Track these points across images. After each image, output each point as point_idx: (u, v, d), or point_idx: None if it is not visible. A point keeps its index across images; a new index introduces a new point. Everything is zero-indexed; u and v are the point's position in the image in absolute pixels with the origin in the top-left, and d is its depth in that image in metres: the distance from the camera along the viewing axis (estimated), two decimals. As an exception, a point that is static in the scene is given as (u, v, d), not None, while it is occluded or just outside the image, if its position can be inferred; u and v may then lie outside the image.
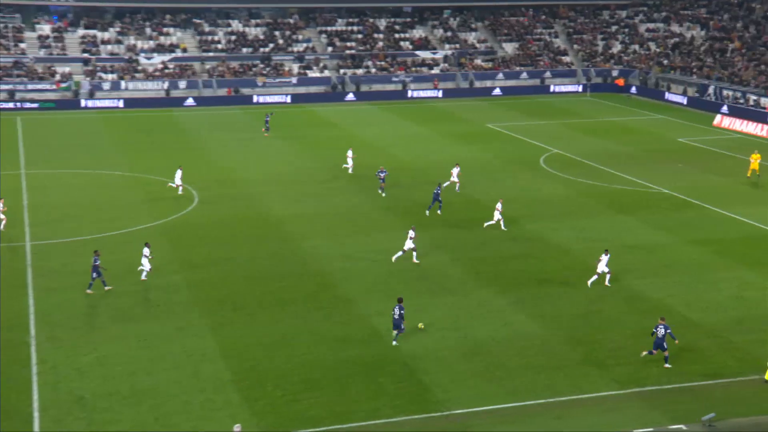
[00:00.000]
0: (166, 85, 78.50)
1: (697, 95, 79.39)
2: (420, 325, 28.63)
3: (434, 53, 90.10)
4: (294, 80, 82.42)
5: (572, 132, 65.59)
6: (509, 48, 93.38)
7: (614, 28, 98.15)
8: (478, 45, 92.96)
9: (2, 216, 38.43)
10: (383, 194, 44.01)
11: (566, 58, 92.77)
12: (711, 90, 77.91)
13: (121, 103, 75.51)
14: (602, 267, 32.31)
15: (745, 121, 66.22)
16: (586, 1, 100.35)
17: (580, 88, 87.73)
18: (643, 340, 27.49)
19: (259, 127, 64.40)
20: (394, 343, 27.43)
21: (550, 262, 34.95)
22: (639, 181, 48.58)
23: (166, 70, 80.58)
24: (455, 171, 46.44)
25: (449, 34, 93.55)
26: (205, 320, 29.22)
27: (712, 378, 25.22)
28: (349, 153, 51.10)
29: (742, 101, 73.68)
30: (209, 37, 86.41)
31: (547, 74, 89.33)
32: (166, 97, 77.60)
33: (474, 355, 26.77)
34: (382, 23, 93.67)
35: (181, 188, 44.64)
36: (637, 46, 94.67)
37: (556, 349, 27.04)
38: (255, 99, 79.13)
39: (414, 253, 34.67)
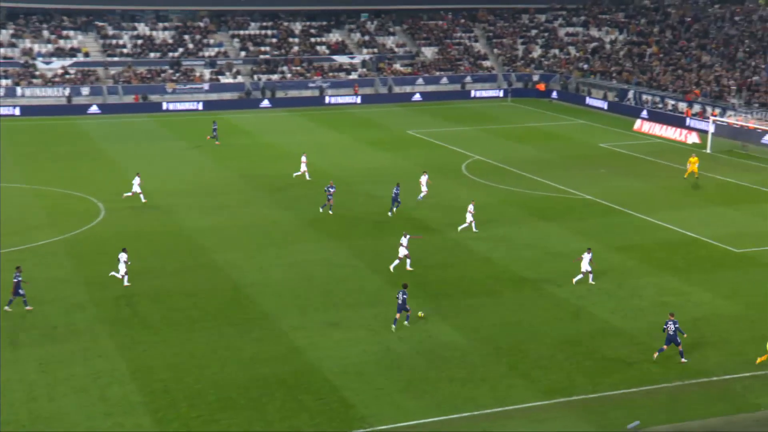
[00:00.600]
0: (67, 91, 76.44)
1: (617, 100, 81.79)
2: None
3: (352, 58, 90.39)
4: (206, 86, 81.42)
5: (494, 138, 66.66)
6: (429, 52, 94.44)
7: (534, 32, 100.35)
8: (396, 49, 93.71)
9: None
10: (330, 212, 43.07)
11: (487, 63, 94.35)
12: (631, 95, 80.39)
13: (17, 111, 73.15)
14: (585, 266, 33.68)
15: (665, 126, 68.52)
16: (505, 4, 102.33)
17: (501, 93, 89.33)
18: (568, 348, 28.04)
19: (169, 135, 63.23)
20: (393, 327, 29.22)
21: (472, 271, 35.36)
22: (561, 187, 49.67)
23: (67, 76, 78.49)
24: (424, 179, 46.42)
25: (367, 38, 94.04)
26: (112, 340, 28.48)
27: (636, 385, 25.88)
28: (303, 158, 51.11)
29: (661, 106, 76.25)
30: (113, 41, 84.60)
31: (468, 79, 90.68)
32: (67, 105, 75.56)
33: (396, 368, 26.83)
34: (297, 27, 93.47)
35: (142, 196, 44.47)
36: (557, 51, 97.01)
37: (480, 361, 27.32)
38: (165, 106, 77.82)
39: (408, 261, 34.84)
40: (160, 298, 32.24)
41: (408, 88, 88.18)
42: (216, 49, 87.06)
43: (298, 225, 41.93)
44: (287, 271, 35.48)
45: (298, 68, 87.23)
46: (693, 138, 64.84)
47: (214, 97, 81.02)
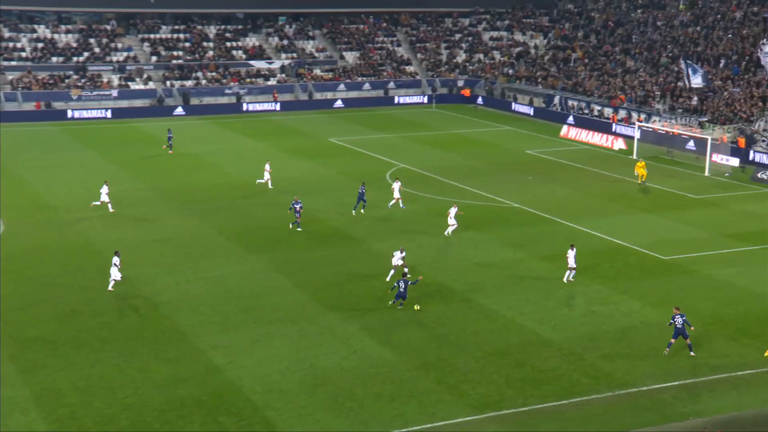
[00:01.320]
0: (-41, 98, 74.13)
1: (543, 106, 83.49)
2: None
3: (270, 63, 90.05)
4: (114, 93, 79.95)
5: (418, 145, 67.23)
6: (350, 57, 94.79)
7: (458, 36, 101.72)
8: (317, 54, 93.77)
9: None
10: (298, 229, 42.53)
11: (410, 68, 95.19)
12: (557, 100, 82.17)
13: None
14: (572, 262, 35.45)
15: (591, 132, 70.24)
16: (428, 8, 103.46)
17: (426, 99, 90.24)
18: (497, 360, 28.42)
19: (76, 145, 61.82)
20: (391, 302, 32.24)
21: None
22: (488, 195, 50.39)
23: (-41, 81, 76.11)
24: (396, 186, 46.88)
25: (285, 42, 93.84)
26: (14, 364, 27.63)
27: (567, 397, 26.38)
28: (267, 167, 51.18)
29: (587, 112, 78.16)
30: (10, 44, 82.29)
31: (391, 85, 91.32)
32: (-40, 112, 73.23)
33: (321, 386, 26.76)
34: (211, 31, 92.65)
35: (110, 205, 44.66)
36: (481, 55, 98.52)
37: (407, 376, 27.46)
38: (70, 114, 76.11)
39: (405, 269, 34.75)
40: (67, 317, 31.46)
41: (329, 95, 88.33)
42: (125, 54, 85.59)
43: (216, 238, 41.48)
44: (205, 286, 35.06)
45: (214, 74, 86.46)
46: (619, 144, 66.65)
47: (124, 104, 79.64)
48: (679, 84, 72.98)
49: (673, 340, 28.94)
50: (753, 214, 47.32)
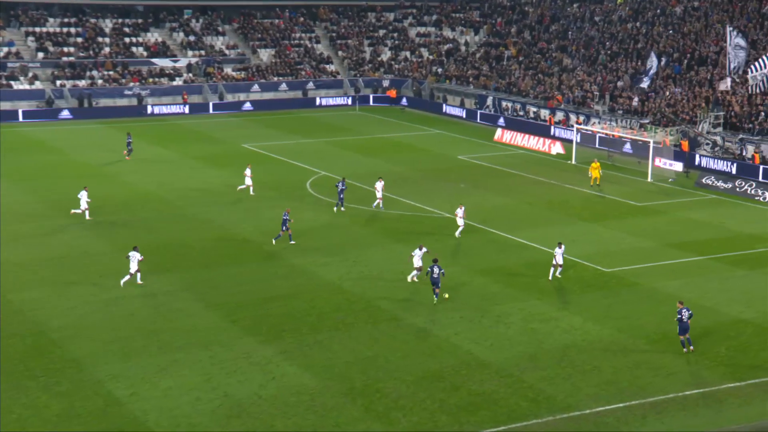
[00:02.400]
0: None
1: (475, 107, 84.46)
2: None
3: (175, 61, 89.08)
4: (-5, 93, 77.99)
5: (341, 151, 67.24)
6: (264, 55, 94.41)
7: (382, 32, 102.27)
8: (227, 51, 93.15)
9: None
10: (292, 241, 42.59)
11: (331, 67, 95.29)
12: (489, 101, 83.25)
13: None
14: (559, 260, 37.99)
15: (527, 135, 71.31)
16: (349, 1, 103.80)
17: (349, 101, 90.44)
18: (430, 384, 28.48)
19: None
20: (436, 298, 35.04)
21: (320, 302, 35.42)
22: (417, 204, 50.65)
23: None
24: (379, 186, 48.56)
25: (192, 38, 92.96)
26: None
27: (505, 423, 26.56)
28: (247, 171, 51.90)
29: (522, 113, 79.34)
30: None
31: (310, 85, 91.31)
32: None
33: (235, 417, 26.42)
34: (107, 24, 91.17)
35: (87, 213, 45.76)
36: (408, 53, 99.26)
37: (332, 404, 27.31)
38: (-60, 117, 73.94)
39: (416, 272, 37.19)
40: (-54, 348, 30.41)
41: (242, 96, 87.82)
42: (5, 49, 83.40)
43: (115, 256, 40.72)
44: (103, 310, 34.34)
45: (111, 73, 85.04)
46: (557, 148, 67.81)
47: (6, 106, 77.74)
48: (618, 83, 74.68)
49: (681, 337, 30.96)
50: (699, 222, 48.61)
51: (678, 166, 59.75)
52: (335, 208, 48.49)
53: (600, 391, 28.40)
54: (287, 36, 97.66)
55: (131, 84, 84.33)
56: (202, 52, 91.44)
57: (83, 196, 46.21)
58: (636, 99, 71.26)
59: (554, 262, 38.42)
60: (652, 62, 68.77)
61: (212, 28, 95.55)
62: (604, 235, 45.55)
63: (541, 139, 69.77)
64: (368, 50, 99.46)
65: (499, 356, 30.80)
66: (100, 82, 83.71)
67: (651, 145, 59.75)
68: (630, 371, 29.67)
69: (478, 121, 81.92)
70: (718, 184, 56.14)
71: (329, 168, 60.25)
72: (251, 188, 51.95)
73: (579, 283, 38.39)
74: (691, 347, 31.15)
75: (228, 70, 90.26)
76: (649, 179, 58.75)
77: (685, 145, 62.35)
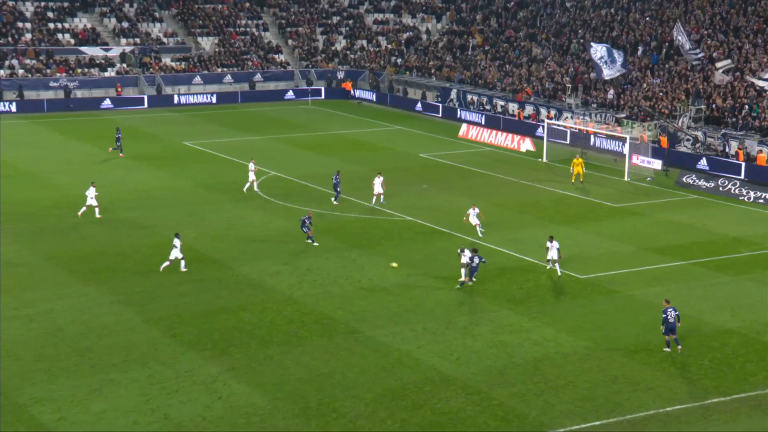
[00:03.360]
0: None
1: (438, 101, 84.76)
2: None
3: (107, 50, 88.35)
4: None
5: (293, 149, 67.10)
6: (206, 44, 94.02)
7: (336, 19, 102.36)
8: (165, 40, 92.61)
9: None
10: (315, 243, 43.75)
11: (280, 57, 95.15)
12: (453, 94, 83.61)
13: None
14: (553, 254, 39.87)
15: (494, 131, 71.70)
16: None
17: (298, 95, 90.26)
18: (391, 402, 28.50)
19: None
20: (469, 281, 38.24)
21: (270, 314, 35.32)
22: (376, 207, 50.69)
23: None
24: (378, 181, 50.14)
25: (126, 24, 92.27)
26: None
27: (473, 442, 26.70)
28: (251, 166, 52.94)
29: (489, 107, 79.79)
30: None
31: (258, 77, 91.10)
32: None
33: (178, 443, 26.26)
34: (28, 8, 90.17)
35: (98, 210, 46.99)
36: (364, 42, 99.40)
37: (284, 425, 27.25)
38: None
39: (463, 270, 38.82)
40: None
41: (182, 89, 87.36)
42: None
43: (41, 265, 40.27)
44: (27, 325, 33.94)
45: (34, 62, 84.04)
46: (527, 145, 68.27)
47: None
48: (592, 75, 75.38)
49: (667, 337, 32.18)
50: (680, 224, 49.19)
51: (657, 164, 60.41)
52: (334, 200, 50.91)
53: (575, 407, 28.61)
54: (232, 23, 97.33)
55: (57, 75, 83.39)
56: (137, 40, 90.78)
57: (90, 193, 47.21)
58: (611, 92, 71.96)
59: (549, 257, 40.23)
60: (599, 51, 68.14)
61: (148, 14, 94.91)
62: (579, 238, 45.92)
63: (510, 135, 70.19)
64: (321, 39, 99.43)
65: (466, 371, 30.90)
66: (20, 72, 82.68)
67: (627, 141, 60.37)
68: (607, 386, 29.93)
69: (441, 115, 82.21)
70: (700, 183, 56.86)
71: (280, 167, 60.08)
72: (255, 184, 53.12)
73: (552, 291, 38.66)
74: (680, 347, 32.16)
75: (166, 60, 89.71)
76: (626, 178, 59.35)
77: (664, 141, 63.08)
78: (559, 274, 40.02)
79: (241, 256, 42.17)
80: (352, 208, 50.36)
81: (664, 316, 32.21)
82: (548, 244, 40.27)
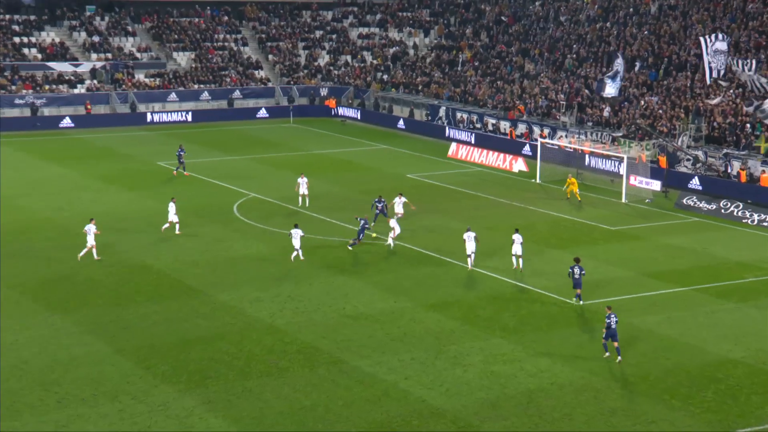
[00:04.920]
0: None
1: (426, 119, 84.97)
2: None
3: (76, 66, 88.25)
4: None
5: (273, 169, 67.06)
6: (182, 59, 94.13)
7: (319, 33, 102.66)
8: (138, 55, 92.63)
9: None
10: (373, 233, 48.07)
11: (260, 73, 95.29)
12: (442, 112, 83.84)
13: None
14: (516, 249, 42.99)
15: (485, 151, 71.84)
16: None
17: (278, 112, 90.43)
18: (376, 438, 28.40)
19: None
20: (579, 302, 39.54)
21: (250, 343, 35.16)
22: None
23: None
24: (399, 202, 51.57)
25: (96, 39, 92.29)
26: None
27: (464, 479, 26.58)
28: (303, 180, 55.39)
29: (479, 126, 79.99)
30: None
31: (237, 94, 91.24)
32: None
33: (151, 482, 26.03)
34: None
35: (177, 226, 48.86)
36: (349, 57, 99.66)
37: (263, 463, 27.07)
38: None
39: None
40: None
41: (157, 106, 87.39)
42: None
43: (4, 293, 40.08)
44: (-7, 356, 33.69)
45: None
46: (519, 165, 68.44)
47: None
48: (587, 92, 75.67)
49: (605, 341, 34.01)
50: (680, 248, 49.28)
51: (656, 185, 60.59)
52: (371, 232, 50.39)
53: (572, 442, 28.53)
54: (209, 37, 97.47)
55: (23, 92, 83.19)
56: (109, 56, 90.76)
57: (171, 209, 48.83)
58: (607, 109, 72.30)
59: (513, 252, 43.01)
60: (619, 65, 69.21)
61: (120, 28, 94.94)
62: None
63: (501, 155, 70.34)
64: (303, 54, 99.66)
65: (456, 403, 30.80)
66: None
67: (625, 161, 60.55)
68: (605, 419, 29.86)
69: (430, 134, 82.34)
70: (701, 205, 57.01)
71: (259, 189, 60.00)
72: (307, 199, 55.20)
73: (546, 318, 38.62)
74: (619, 357, 33.66)
75: (140, 76, 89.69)
76: (623, 200, 59.51)
77: (663, 161, 63.31)
78: (521, 269, 43.07)
79: (218, 282, 42.02)
80: (336, 232, 50.28)
81: (608, 321, 33.85)
82: (513, 236, 42.99)
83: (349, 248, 46.80)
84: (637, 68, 76.31)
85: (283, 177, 64.59)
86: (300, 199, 54.93)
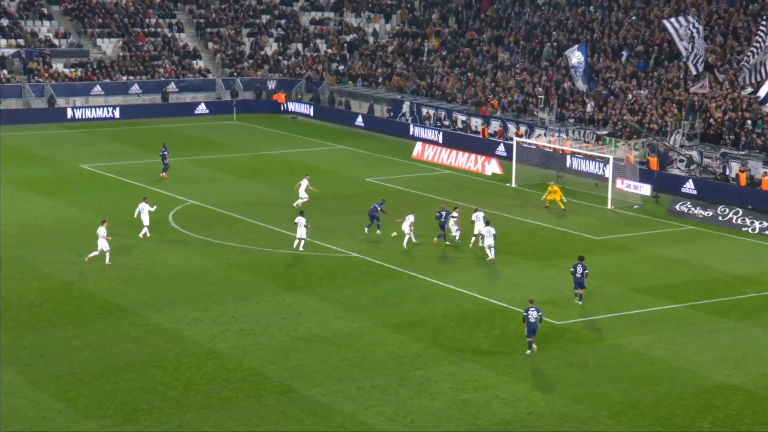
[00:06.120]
0: None
1: (388, 115, 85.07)
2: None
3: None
4: None
5: (214, 173, 66.85)
6: (108, 47, 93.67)
7: (265, 18, 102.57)
8: (56, 41, 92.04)
9: None
10: (447, 241, 50.66)
11: (198, 63, 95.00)
12: (406, 108, 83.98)
13: None
14: (481, 228, 48.15)
15: (454, 151, 72.01)
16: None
17: (214, 108, 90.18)
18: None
19: None
20: (579, 303, 41.71)
21: (187, 371, 34.97)
22: (316, 241, 50.57)
23: None
24: (409, 219, 50.45)
25: (5, 22, 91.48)
26: None
27: None
28: (305, 182, 56.71)
29: (447, 123, 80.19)
30: None
31: (171, 87, 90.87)
32: None
33: None
34: None
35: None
36: (300, 46, 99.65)
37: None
38: None
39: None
40: None
41: (78, 101, 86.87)
42: None
43: None
44: None
45: None
46: (493, 167, 68.68)
47: None
48: (568, 85, 76.11)
49: (530, 339, 36.64)
50: (673, 259, 49.65)
51: (645, 189, 60.99)
52: (376, 230, 52.18)
53: (552, 479, 28.68)
54: (139, 22, 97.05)
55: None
56: (21, 42, 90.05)
57: (144, 209, 49.87)
58: (591, 104, 72.76)
59: (476, 232, 48.30)
60: (576, 55, 68.85)
61: (34, 10, 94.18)
62: (554, 277, 46.15)
63: (473, 156, 70.55)
64: (248, 41, 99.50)
65: (423, 437, 30.85)
66: None
67: (611, 162, 60.88)
68: (591, 452, 30.04)
69: (392, 133, 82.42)
70: (696, 212, 57.44)
71: (198, 195, 59.77)
72: (306, 199, 56.31)
73: (524, 339, 38.73)
74: (534, 347, 36.85)
75: (58, 66, 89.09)
76: (609, 206, 59.87)
77: (654, 162, 63.74)
78: (492, 258, 47.15)
79: (151, 301, 41.79)
80: (285, 243, 50.23)
81: (525, 314, 36.46)
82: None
83: (435, 241, 50.73)
84: (623, 58, 76.91)
85: (226, 182, 64.37)
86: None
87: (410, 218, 49.94)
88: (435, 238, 50.54)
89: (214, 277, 45.05)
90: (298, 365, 35.77)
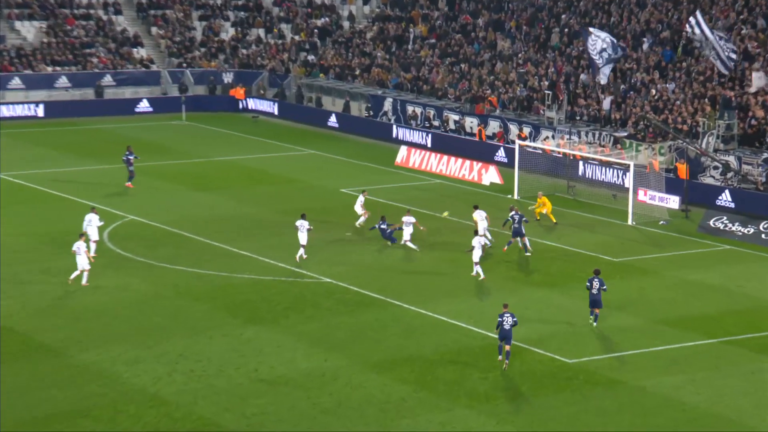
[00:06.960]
0: None
1: (367, 114, 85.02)
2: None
3: None
4: None
5: (159, 182, 66.81)
6: (30, 32, 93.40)
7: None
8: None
9: None
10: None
11: (140, 52, 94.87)
12: (388, 105, 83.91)
13: None
14: (482, 231, 50.59)
15: (445, 157, 71.93)
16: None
17: (169, 105, 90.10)
18: None
19: None
20: (594, 324, 43.19)
21: (126, 422, 34.80)
22: (279, 264, 50.51)
23: None
24: (409, 221, 53.56)
25: None
26: None
27: None
28: (361, 198, 57.89)
29: (438, 123, 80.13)
30: None
31: (107, 80, 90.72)
32: None
33: None
34: None
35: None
36: (261, 31, 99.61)
37: None
38: None
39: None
40: None
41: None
42: None
43: None
44: None
45: None
46: (491, 175, 68.64)
47: None
48: (582, 77, 76.17)
49: (506, 345, 38.60)
50: (705, 285, 49.65)
51: (673, 202, 61.00)
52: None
53: None
54: (67, 2, 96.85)
55: None
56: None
57: (93, 221, 50.50)
58: (607, 100, 72.72)
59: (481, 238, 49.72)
60: (600, 41, 68.89)
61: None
62: (566, 307, 46.10)
63: (467, 162, 70.50)
64: (199, 26, 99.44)
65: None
66: None
67: (631, 169, 60.81)
68: None
69: (372, 135, 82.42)
70: (734, 228, 57.43)
71: (140, 210, 59.58)
72: (363, 217, 57.33)
73: (530, 379, 38.68)
74: (506, 362, 38.62)
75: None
76: (629, 222, 59.87)
77: (683, 170, 63.69)
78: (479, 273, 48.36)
79: (82, 337, 41.57)
80: (244, 266, 50.06)
81: (500, 320, 38.50)
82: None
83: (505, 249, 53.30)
84: (645, 46, 76.99)
85: (173, 193, 64.18)
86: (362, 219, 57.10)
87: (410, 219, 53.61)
88: (505, 246, 53.26)
89: (159, 307, 44.87)
90: (260, 413, 35.62)
